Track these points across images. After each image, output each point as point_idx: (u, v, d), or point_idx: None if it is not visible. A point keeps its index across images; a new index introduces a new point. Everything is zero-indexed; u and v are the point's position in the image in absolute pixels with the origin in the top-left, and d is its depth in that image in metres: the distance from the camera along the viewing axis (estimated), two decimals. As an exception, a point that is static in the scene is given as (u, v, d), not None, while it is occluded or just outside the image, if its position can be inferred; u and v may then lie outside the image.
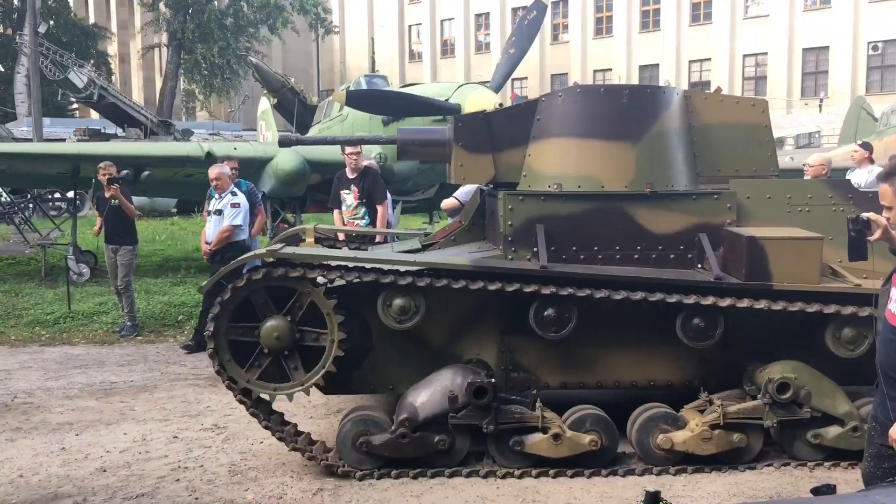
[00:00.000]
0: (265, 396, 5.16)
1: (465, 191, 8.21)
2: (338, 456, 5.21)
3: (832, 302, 5.20)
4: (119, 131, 33.83)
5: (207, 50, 40.72)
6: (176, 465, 5.44)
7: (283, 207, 14.25)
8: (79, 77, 35.59)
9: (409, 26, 50.43)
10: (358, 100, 10.50)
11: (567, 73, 45.31)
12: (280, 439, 5.18)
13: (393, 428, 5.14)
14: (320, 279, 5.13)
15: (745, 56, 42.08)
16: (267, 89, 26.78)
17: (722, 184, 5.70)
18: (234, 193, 8.85)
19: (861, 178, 9.10)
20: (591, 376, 5.56)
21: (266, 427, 5.15)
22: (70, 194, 17.43)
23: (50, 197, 24.05)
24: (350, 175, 8.90)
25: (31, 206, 22.14)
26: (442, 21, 49.30)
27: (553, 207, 5.40)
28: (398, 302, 5.13)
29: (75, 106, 43.88)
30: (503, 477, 5.16)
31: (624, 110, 5.47)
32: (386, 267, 5.18)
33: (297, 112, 24.68)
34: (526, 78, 45.21)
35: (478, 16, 48.36)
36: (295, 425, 5.31)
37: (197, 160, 12.92)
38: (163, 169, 13.34)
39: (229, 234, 8.83)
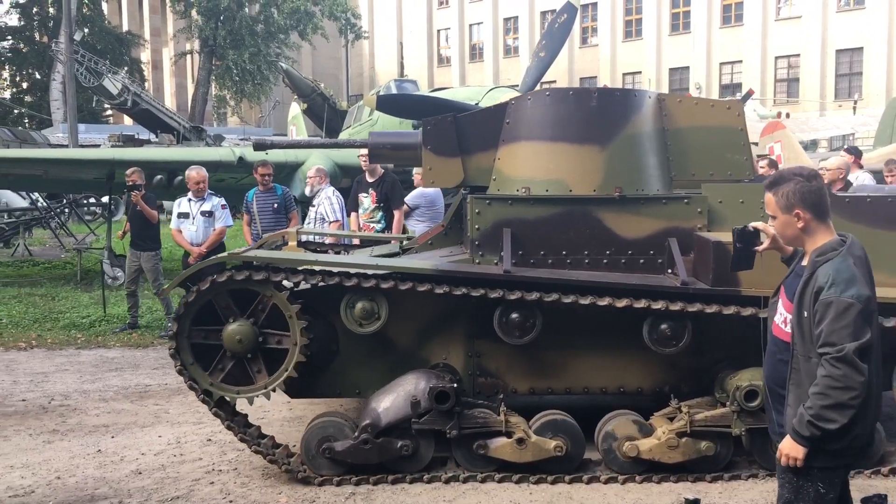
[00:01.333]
0: (228, 399, 5.17)
1: (414, 195, 8.21)
2: (300, 461, 5.22)
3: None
4: (152, 137, 34.24)
5: (239, 56, 41.09)
6: (210, 468, 5.48)
7: None
8: (113, 84, 36.09)
9: (438, 31, 50.50)
10: (388, 104, 10.54)
11: (596, 77, 45.07)
12: (242, 440, 5.19)
13: (356, 434, 5.14)
14: (286, 283, 5.14)
15: (777, 58, 41.56)
16: (297, 94, 26.96)
17: (695, 188, 5.62)
18: (217, 196, 9.09)
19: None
20: (560, 382, 5.51)
21: (229, 428, 5.16)
22: (105, 199, 17.73)
23: (85, 202, 24.39)
24: (369, 179, 9.01)
25: (66, 211, 22.48)
26: (471, 25, 49.31)
27: (521, 211, 5.36)
28: (361, 306, 5.12)
29: (109, 112, 44.56)
30: (465, 481, 5.15)
31: (593, 114, 5.41)
32: (352, 271, 5.18)
33: (326, 117, 24.82)
34: (555, 81, 44.93)
35: (506, 20, 48.29)
36: (259, 428, 5.32)
37: (229, 165, 13.12)
38: None
39: (224, 234, 9.01)
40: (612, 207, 5.35)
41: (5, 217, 20.41)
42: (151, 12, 51.16)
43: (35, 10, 42.65)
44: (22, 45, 43.05)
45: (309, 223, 8.92)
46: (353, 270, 5.12)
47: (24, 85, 44.35)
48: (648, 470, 5.22)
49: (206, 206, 9.06)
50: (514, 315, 5.16)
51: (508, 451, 5.16)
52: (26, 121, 41.80)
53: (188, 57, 47.12)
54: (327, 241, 7.24)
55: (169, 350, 5.07)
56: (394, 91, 14.36)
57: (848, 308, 2.93)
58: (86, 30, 42.26)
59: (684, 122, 5.71)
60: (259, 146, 6.04)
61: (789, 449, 3.06)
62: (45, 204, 21.13)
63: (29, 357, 8.92)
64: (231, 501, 4.94)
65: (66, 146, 24.77)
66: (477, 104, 11.15)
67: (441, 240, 6.13)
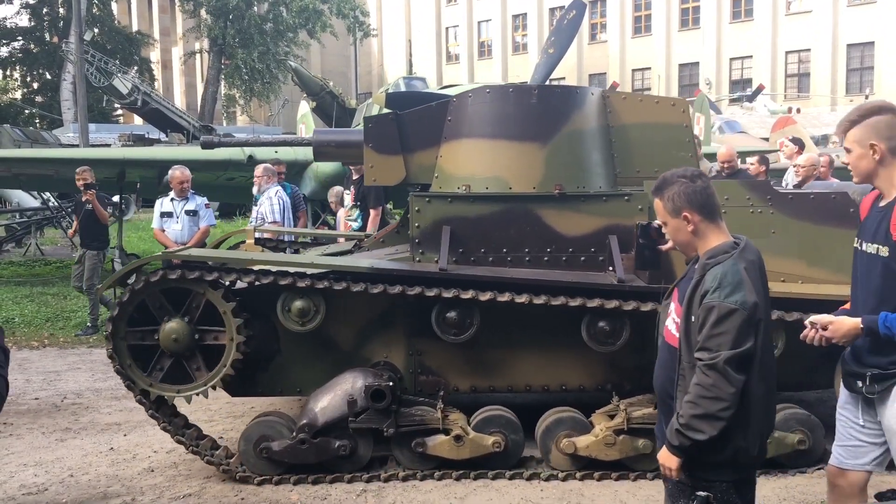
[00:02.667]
0: (168, 398, 5.17)
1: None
2: (239, 461, 5.23)
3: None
4: (162, 136, 34.39)
5: (248, 55, 41.17)
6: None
7: (324, 210, 14.42)
8: (123, 83, 36.26)
9: (447, 28, 50.47)
10: (397, 102, 10.49)
11: (605, 73, 44.94)
12: (179, 442, 5.20)
13: (293, 434, 5.14)
14: (225, 281, 5.14)
15: (787, 53, 41.28)
16: (306, 93, 27.00)
17: (641, 185, 5.59)
18: (200, 195, 9.13)
19: (792, 176, 8.93)
20: (502, 380, 5.49)
21: (164, 430, 5.16)
22: (116, 198, 17.86)
23: (97, 201, 24.41)
24: (354, 176, 9.03)
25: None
26: (479, 22, 49.25)
27: (461, 209, 5.35)
28: (297, 304, 5.12)
29: (120, 112, 44.80)
30: (405, 479, 5.14)
31: (533, 111, 5.40)
32: (289, 269, 5.18)
33: (335, 115, 24.83)
34: (563, 78, 44.88)
35: (515, 16, 48.20)
36: (198, 429, 5.34)
37: (239, 164, 13.17)
38: (205, 173, 13.58)
39: (208, 234, 9.06)
40: (552, 205, 5.34)
41: (17, 217, 20.56)
42: (161, 12, 51.43)
43: (45, 10, 42.91)
44: (32, 46, 43.28)
45: (251, 223, 8.91)
46: (289, 269, 5.13)
47: (35, 85, 44.59)
48: (588, 467, 5.20)
49: (190, 206, 9.07)
50: (452, 313, 5.15)
51: (447, 448, 5.16)
52: (37, 121, 42.10)
53: (197, 56, 47.30)
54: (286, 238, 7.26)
55: (107, 351, 5.08)
56: (402, 88, 14.36)
57: (730, 314, 2.80)
58: (95, 30, 42.52)
59: (629, 119, 5.69)
60: (206, 145, 6.06)
61: (664, 459, 2.97)
62: (56, 203, 21.27)
63: (41, 356, 8.99)
64: (243, 499, 4.96)
65: (77, 146, 24.90)
66: None
67: (394, 238, 6.13)
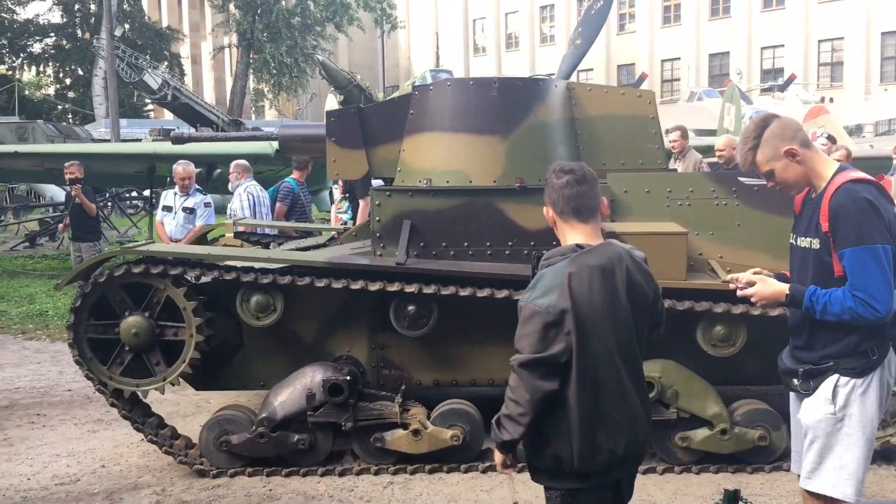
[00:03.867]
0: (125, 392, 5.22)
1: None
2: (199, 453, 5.27)
3: (702, 299, 5.01)
4: (192, 131, 34.71)
5: (276, 49, 41.38)
6: None
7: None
8: (153, 78, 36.60)
9: (474, 20, 50.27)
10: None
11: (634, 64, 44.48)
12: (138, 430, 5.26)
13: (253, 427, 5.18)
14: (189, 276, 5.18)
15: (820, 41, 40.53)
16: (333, 87, 26.99)
17: (603, 178, 5.53)
18: (202, 192, 9.11)
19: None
20: (464, 374, 5.47)
21: (125, 417, 5.23)
22: (146, 192, 18.08)
23: (127, 196, 24.77)
24: None
25: (109, 204, 22.87)
26: (506, 14, 48.99)
27: (421, 203, 5.33)
28: (256, 299, 5.14)
29: (150, 107, 45.29)
30: (431, 472, 5.20)
31: (494, 104, 5.36)
32: (243, 264, 5.21)
33: (363, 108, 24.82)
34: (591, 69, 44.64)
35: (542, 7, 47.89)
36: (161, 418, 5.40)
37: (266, 157, 13.27)
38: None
39: (203, 232, 9.05)
40: (513, 198, 5.30)
41: (50, 211, 20.88)
42: (190, 7, 51.95)
43: (77, 6, 43.51)
44: (65, 42, 43.95)
45: (228, 218, 8.91)
46: (244, 264, 5.16)
47: (68, 81, 45.30)
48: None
49: (189, 203, 8.98)
50: (410, 307, 5.14)
51: (405, 442, 5.17)
52: (70, 116, 42.75)
53: (226, 51, 47.67)
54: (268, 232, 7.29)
55: (67, 341, 5.15)
56: (429, 81, 14.36)
57: (532, 315, 2.70)
58: (126, 26, 43.04)
59: (594, 112, 5.64)
60: (177, 140, 6.10)
61: (496, 454, 2.95)
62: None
63: (75, 348, 9.12)
64: (271, 490, 5.03)
65: (109, 141, 25.24)
66: None
67: (365, 231, 6.12)
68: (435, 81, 5.77)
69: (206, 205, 9.16)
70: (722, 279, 5.00)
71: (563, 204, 2.88)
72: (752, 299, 3.30)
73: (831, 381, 3.20)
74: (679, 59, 43.68)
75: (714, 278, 5.06)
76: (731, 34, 42.34)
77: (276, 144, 13.27)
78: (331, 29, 42.89)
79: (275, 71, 42.98)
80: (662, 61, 44.67)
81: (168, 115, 41.92)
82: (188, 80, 48.45)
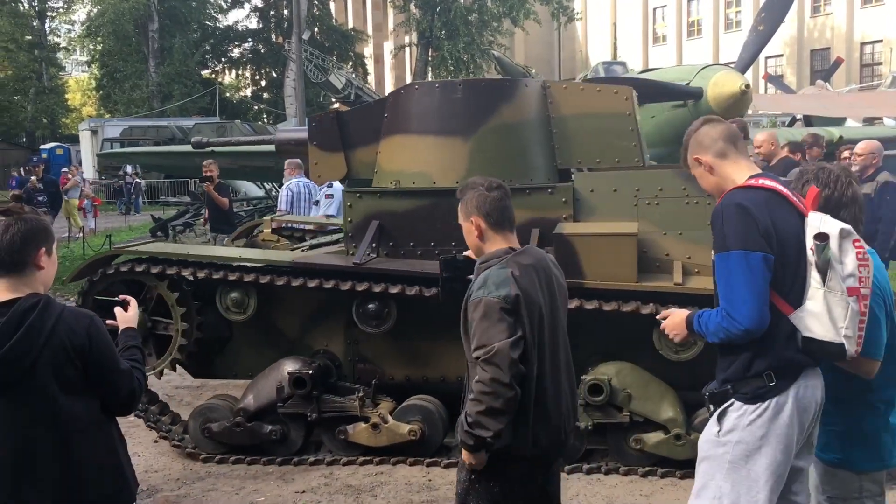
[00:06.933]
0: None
1: None
2: (190, 437, 5.70)
3: (652, 301, 4.86)
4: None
5: (453, 46, 42.23)
6: None
7: None
8: (338, 79, 38.52)
9: (654, 9, 48.61)
10: None
11: (829, 48, 41.40)
12: (137, 416, 5.75)
13: (231, 417, 5.54)
14: (174, 272, 5.59)
15: None
16: (508, 82, 27.27)
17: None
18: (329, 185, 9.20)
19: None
20: (434, 370, 5.58)
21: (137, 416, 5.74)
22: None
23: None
24: None
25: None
26: (689, 1, 47.03)
27: (389, 204, 5.48)
28: (232, 295, 5.51)
29: (336, 106, 47.47)
30: (330, 464, 5.42)
31: (457, 106, 5.43)
32: (234, 264, 5.57)
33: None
34: (781, 55, 42.14)
35: (728, -10, 45.62)
36: (165, 405, 5.88)
37: None
38: None
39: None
40: (476, 199, 5.32)
41: (244, 205, 22.52)
42: (374, 8, 53.77)
43: (272, 13, 46.27)
44: (260, 46, 46.88)
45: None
46: (220, 262, 5.52)
47: (263, 83, 48.28)
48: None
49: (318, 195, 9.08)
50: (370, 305, 5.33)
51: (365, 435, 5.36)
52: (264, 116, 45.58)
53: (406, 49, 49.08)
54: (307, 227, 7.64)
55: None
56: (601, 74, 14.25)
57: (493, 307, 2.88)
58: (316, 29, 45.31)
59: (570, 110, 5.56)
60: (197, 145, 6.56)
61: (466, 457, 3.05)
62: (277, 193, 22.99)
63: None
64: (327, 483, 5.23)
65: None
66: (687, 84, 10.63)
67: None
68: (406, 85, 5.87)
69: (327, 196, 9.30)
70: (676, 281, 4.85)
71: (498, 215, 3.14)
72: (665, 332, 3.24)
73: (727, 404, 3.01)
74: (881, 41, 40.18)
75: (666, 280, 4.89)
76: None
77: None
78: (507, 24, 43.12)
79: (452, 67, 43.76)
80: (862, 44, 41.25)
81: (353, 113, 43.75)
82: (371, 78, 50.23)
